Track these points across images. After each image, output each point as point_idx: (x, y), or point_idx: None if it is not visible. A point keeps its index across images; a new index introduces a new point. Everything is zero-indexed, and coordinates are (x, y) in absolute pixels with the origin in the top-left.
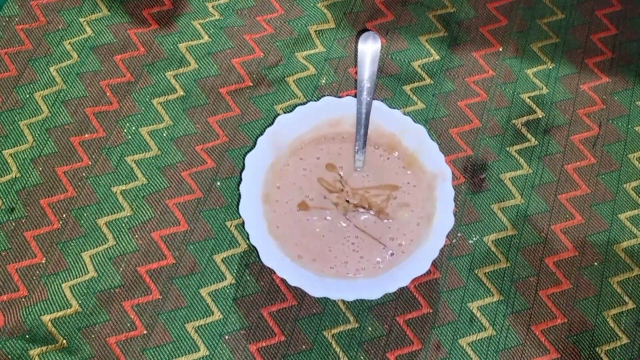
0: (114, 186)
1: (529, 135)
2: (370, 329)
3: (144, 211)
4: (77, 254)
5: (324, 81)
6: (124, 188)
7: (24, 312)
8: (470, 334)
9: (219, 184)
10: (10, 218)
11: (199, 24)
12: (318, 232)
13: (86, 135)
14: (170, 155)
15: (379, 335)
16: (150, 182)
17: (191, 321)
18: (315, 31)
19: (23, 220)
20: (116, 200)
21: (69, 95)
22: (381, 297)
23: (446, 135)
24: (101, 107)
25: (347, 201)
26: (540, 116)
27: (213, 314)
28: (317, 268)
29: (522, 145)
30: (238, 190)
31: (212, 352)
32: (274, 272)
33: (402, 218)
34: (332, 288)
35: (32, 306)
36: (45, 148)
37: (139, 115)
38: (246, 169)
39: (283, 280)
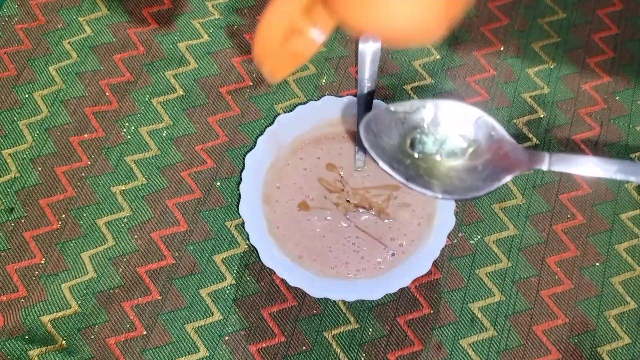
0: (113, 186)
1: (530, 135)
2: (371, 329)
3: (143, 211)
4: (76, 255)
5: (324, 80)
6: (123, 188)
7: (24, 313)
8: (471, 335)
9: (218, 184)
10: (10, 218)
11: (199, 23)
12: (318, 233)
13: (85, 135)
14: (169, 155)
15: (380, 336)
16: (150, 182)
17: (191, 322)
18: None
19: (22, 221)
20: (115, 200)
21: (68, 95)
22: (382, 298)
23: None
24: (100, 107)
25: (348, 201)
26: (542, 116)
27: (213, 315)
28: (317, 268)
29: (524, 144)
30: (238, 190)
31: (212, 353)
32: (274, 273)
33: (402, 218)
34: (333, 288)
35: (32, 307)
36: (44, 148)
37: (139, 115)
38: (246, 169)
39: (283, 281)
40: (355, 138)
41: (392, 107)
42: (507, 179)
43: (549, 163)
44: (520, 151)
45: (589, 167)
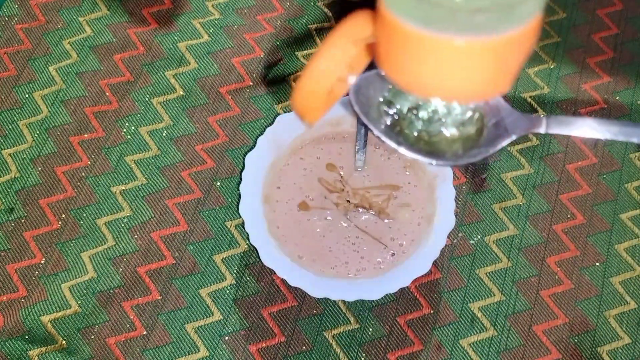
0: (113, 186)
1: (530, 135)
2: (371, 329)
3: (143, 211)
4: (76, 254)
5: None
6: (123, 188)
7: (24, 313)
8: (471, 335)
9: (218, 184)
10: (10, 218)
11: (199, 23)
12: (318, 232)
13: (85, 135)
14: (169, 155)
15: (380, 336)
16: (150, 182)
17: (191, 322)
18: (316, 30)
19: (22, 221)
20: (115, 200)
21: (68, 95)
22: (382, 298)
23: None
24: (100, 107)
25: (348, 201)
26: (542, 115)
27: (213, 315)
28: (317, 268)
29: (524, 144)
30: (238, 190)
31: (212, 353)
32: (274, 273)
33: (402, 218)
34: (333, 288)
35: (32, 307)
36: (44, 148)
37: (139, 115)
38: (246, 169)
39: (283, 281)
40: (355, 138)
41: (382, 72)
42: (503, 144)
43: (546, 126)
44: (517, 116)
45: (588, 129)
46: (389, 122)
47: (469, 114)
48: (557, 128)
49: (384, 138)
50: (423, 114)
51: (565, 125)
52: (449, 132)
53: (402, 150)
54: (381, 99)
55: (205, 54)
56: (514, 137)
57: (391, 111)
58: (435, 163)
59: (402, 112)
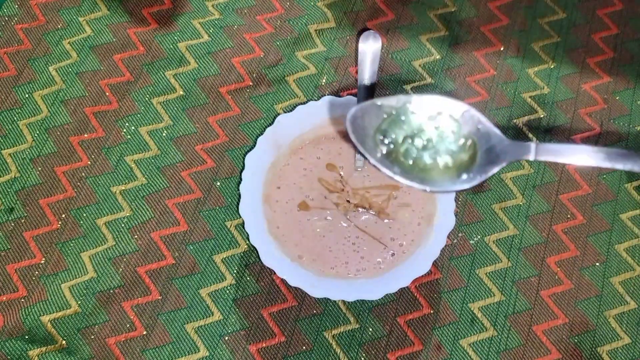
0: (113, 186)
1: (530, 135)
2: (371, 329)
3: (143, 211)
4: (76, 254)
5: (324, 80)
6: (123, 188)
7: (24, 313)
8: (471, 335)
9: (218, 184)
10: (10, 218)
11: (199, 23)
12: (318, 232)
13: (85, 135)
14: (169, 155)
15: (380, 336)
16: (150, 182)
17: (191, 322)
18: (316, 30)
19: (22, 221)
20: (115, 200)
21: (68, 95)
22: (382, 298)
23: None
24: (100, 107)
25: (348, 201)
26: (542, 116)
27: (213, 315)
28: (317, 268)
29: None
30: (238, 190)
31: (212, 353)
32: (274, 273)
33: (402, 218)
34: (333, 288)
35: (32, 307)
36: (44, 148)
37: (139, 115)
38: (246, 169)
39: (283, 281)
40: None
41: (378, 102)
42: (494, 171)
43: (535, 153)
44: (506, 143)
45: (575, 156)
46: (384, 151)
47: (462, 141)
48: (545, 155)
49: (379, 167)
50: (418, 142)
51: (553, 153)
52: (443, 159)
53: (398, 178)
54: (377, 128)
55: (205, 54)
56: (504, 164)
57: (387, 140)
58: (429, 190)
59: (397, 141)
